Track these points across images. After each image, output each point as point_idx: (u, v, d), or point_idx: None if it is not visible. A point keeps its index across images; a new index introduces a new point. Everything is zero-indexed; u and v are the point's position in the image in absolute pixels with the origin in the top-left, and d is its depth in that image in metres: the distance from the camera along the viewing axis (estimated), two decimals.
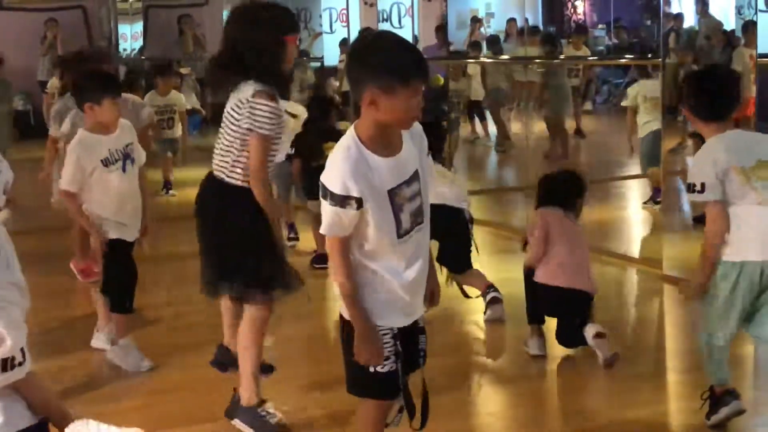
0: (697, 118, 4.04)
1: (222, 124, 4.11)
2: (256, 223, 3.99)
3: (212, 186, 4.10)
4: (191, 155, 11.00)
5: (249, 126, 3.94)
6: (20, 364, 2.39)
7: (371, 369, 3.03)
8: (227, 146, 4.04)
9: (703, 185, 3.88)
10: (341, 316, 3.10)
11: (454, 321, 5.90)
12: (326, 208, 2.92)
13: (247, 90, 3.95)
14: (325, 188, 2.90)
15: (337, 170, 2.89)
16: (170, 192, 10.35)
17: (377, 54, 2.88)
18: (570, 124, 12.19)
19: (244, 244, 4.02)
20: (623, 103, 8.92)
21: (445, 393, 4.75)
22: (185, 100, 13.68)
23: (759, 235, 3.87)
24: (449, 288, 5.78)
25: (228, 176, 4.03)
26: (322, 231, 2.98)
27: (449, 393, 4.75)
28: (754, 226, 3.87)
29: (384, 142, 2.93)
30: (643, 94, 8.40)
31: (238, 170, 4.00)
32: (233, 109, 4.00)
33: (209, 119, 15.08)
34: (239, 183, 4.00)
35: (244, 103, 3.95)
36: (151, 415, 4.51)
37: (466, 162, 12.10)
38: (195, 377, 4.89)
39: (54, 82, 12.07)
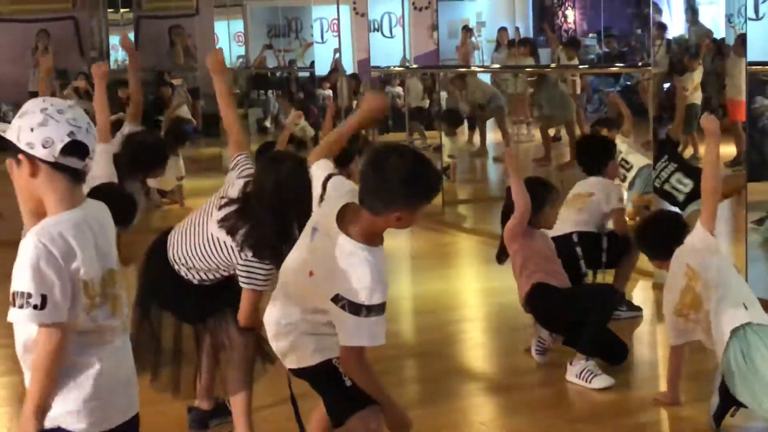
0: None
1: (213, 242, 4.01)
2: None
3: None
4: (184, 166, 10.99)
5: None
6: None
7: (348, 383, 3.23)
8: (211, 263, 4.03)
9: None
10: (310, 366, 3.29)
11: (445, 328, 5.90)
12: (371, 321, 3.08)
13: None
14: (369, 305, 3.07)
15: (381, 282, 3.07)
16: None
17: (414, 183, 3.02)
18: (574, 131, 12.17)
19: None
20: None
21: (436, 401, 4.75)
22: (177, 110, 13.72)
23: None
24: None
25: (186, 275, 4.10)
26: (368, 344, 3.13)
27: (441, 401, 4.75)
28: None
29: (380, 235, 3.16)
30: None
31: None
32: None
33: (201, 129, 15.13)
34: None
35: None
36: None
37: (465, 172, 12.08)
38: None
39: None
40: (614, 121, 8.80)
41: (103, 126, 5.26)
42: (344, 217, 3.13)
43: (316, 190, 3.37)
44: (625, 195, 8.59)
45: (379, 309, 3.07)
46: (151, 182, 10.04)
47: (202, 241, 3.98)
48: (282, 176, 3.79)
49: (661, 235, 4.53)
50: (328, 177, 3.35)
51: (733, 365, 4.01)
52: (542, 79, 12.00)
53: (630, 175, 8.22)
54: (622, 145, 8.16)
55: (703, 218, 4.24)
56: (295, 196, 3.69)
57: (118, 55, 17.22)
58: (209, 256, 3.97)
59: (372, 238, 3.11)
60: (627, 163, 8.20)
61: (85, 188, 4.77)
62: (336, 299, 3.08)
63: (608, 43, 14.88)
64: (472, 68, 13.81)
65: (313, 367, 3.30)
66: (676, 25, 12.92)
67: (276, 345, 3.39)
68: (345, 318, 3.07)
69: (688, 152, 9.91)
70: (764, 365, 3.95)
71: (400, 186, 3.00)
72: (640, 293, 6.56)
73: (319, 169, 3.40)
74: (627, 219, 8.46)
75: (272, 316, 3.38)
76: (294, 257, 3.34)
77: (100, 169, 5.02)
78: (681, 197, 7.30)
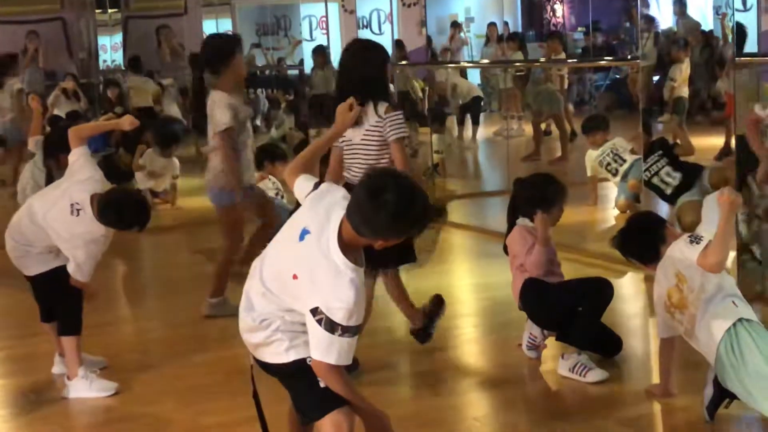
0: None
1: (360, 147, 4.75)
2: None
3: None
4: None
5: (395, 135, 4.73)
6: None
7: (321, 384, 3.23)
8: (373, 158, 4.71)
9: None
10: (282, 364, 3.30)
11: (438, 324, 5.90)
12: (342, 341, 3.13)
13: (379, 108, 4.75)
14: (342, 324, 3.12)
15: (361, 306, 3.15)
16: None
17: (404, 219, 3.12)
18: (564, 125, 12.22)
19: None
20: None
21: (430, 397, 4.77)
22: (167, 108, 13.71)
23: None
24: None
25: None
26: (334, 362, 3.16)
27: (434, 397, 4.76)
28: None
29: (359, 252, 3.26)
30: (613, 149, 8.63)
31: None
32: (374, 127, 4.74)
33: (190, 129, 15.09)
34: None
35: (383, 118, 4.73)
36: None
37: (454, 166, 12.09)
38: (169, 389, 4.90)
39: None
40: (604, 121, 8.99)
41: (80, 133, 5.09)
42: (341, 233, 3.16)
43: (302, 200, 3.42)
44: (617, 188, 8.69)
45: (353, 330, 3.14)
46: (144, 183, 10.04)
47: None
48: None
49: (645, 240, 4.48)
50: (317, 184, 3.40)
51: (724, 358, 4.04)
52: (528, 74, 12.07)
53: (622, 169, 8.43)
54: (619, 147, 8.55)
55: (700, 260, 4.12)
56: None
57: (107, 55, 17.19)
58: None
59: (354, 254, 3.18)
60: (621, 158, 8.51)
61: (83, 189, 4.80)
62: (314, 312, 3.13)
63: (596, 37, 14.92)
64: (462, 64, 13.82)
65: (286, 364, 3.31)
66: (664, 18, 12.95)
67: (248, 338, 3.41)
68: (319, 332, 3.13)
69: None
70: (753, 358, 3.99)
71: (390, 221, 3.10)
72: (630, 285, 6.58)
73: (306, 181, 3.44)
74: (618, 211, 8.57)
75: (247, 309, 3.38)
76: (279, 253, 3.35)
77: (86, 171, 4.93)
78: (669, 190, 7.40)
